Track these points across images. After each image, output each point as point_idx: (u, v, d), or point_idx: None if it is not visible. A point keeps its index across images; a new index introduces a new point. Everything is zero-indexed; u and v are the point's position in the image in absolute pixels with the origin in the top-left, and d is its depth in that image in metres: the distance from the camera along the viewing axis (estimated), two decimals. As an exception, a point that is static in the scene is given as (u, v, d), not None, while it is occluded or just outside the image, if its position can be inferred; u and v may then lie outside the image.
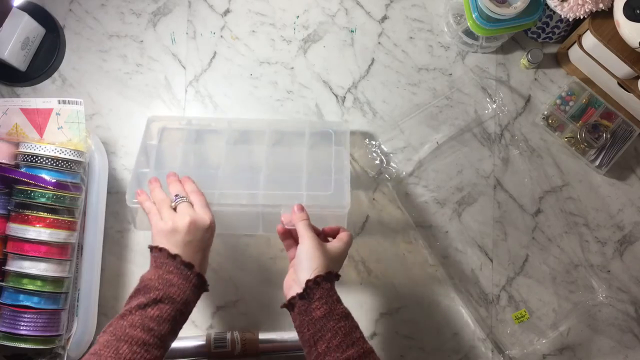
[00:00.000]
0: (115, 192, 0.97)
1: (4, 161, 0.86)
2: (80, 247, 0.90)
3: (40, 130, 0.89)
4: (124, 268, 0.95)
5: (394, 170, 0.98)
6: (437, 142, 0.99)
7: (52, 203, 0.85)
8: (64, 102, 0.90)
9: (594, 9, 0.87)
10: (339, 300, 0.73)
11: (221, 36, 1.01)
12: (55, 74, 1.00)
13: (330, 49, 1.01)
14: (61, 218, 0.86)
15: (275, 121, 0.97)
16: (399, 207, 0.97)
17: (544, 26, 0.98)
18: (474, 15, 0.89)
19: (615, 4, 0.85)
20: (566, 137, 0.99)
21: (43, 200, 0.84)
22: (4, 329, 0.83)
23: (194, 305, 0.75)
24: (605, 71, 0.94)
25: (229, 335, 0.90)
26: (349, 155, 0.96)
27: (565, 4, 0.88)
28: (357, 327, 0.72)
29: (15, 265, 0.84)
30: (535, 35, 1.01)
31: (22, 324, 0.83)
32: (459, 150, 0.99)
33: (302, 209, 0.81)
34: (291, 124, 0.97)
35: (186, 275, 0.74)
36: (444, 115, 1.00)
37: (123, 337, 0.67)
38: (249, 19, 1.02)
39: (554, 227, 0.97)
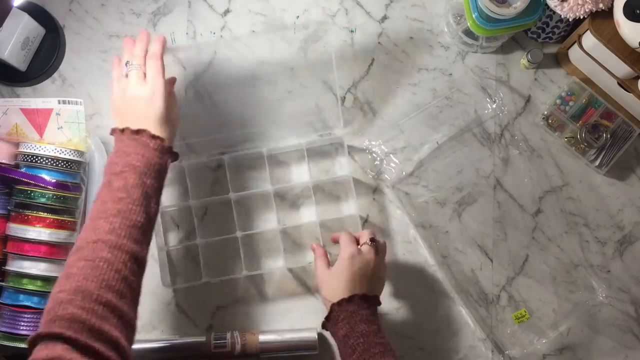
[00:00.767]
0: (115, 192, 0.97)
1: (4, 161, 0.86)
2: (80, 247, 0.90)
3: (40, 130, 0.89)
4: (124, 268, 0.95)
5: (394, 170, 0.98)
6: (437, 142, 0.99)
7: (52, 203, 0.85)
8: (64, 102, 0.90)
9: (594, 9, 0.87)
10: (363, 320, 0.76)
11: (221, 36, 1.01)
12: (55, 74, 1.00)
13: (330, 48, 1.01)
14: (61, 218, 0.86)
15: (271, 149, 0.97)
16: (399, 207, 0.97)
17: (544, 26, 0.98)
18: (474, 15, 0.89)
19: (615, 4, 0.85)
20: (566, 137, 0.99)
21: (43, 200, 0.84)
22: (4, 329, 0.83)
23: (164, 169, 0.75)
24: (605, 71, 0.94)
25: (229, 335, 0.90)
26: (348, 167, 0.96)
27: (565, 4, 0.88)
28: (378, 343, 0.75)
29: (15, 265, 0.84)
30: (535, 35, 1.01)
31: (22, 324, 0.83)
32: (459, 150, 0.99)
33: (316, 246, 0.88)
34: (287, 147, 0.97)
35: (141, 142, 0.74)
36: (444, 115, 1.00)
37: (97, 215, 0.68)
38: (249, 19, 1.02)
39: (554, 227, 0.97)
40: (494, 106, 1.00)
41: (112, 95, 0.79)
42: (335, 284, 0.80)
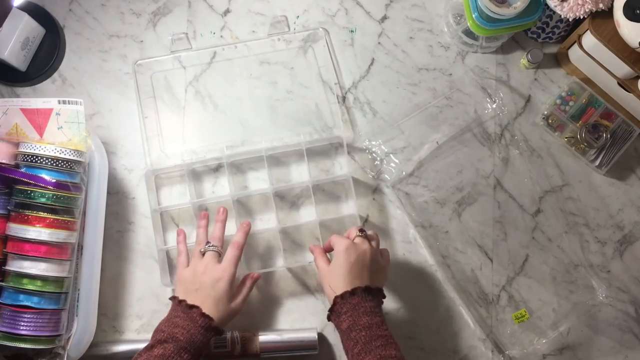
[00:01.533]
0: (115, 192, 0.97)
1: (4, 161, 0.86)
2: (80, 247, 0.90)
3: (40, 130, 0.89)
4: (124, 268, 0.95)
5: (394, 170, 0.98)
6: (437, 142, 0.99)
7: (52, 203, 0.85)
8: (64, 102, 0.90)
9: (594, 9, 0.87)
10: (366, 313, 0.77)
11: (221, 36, 1.01)
12: (55, 74, 1.00)
13: (330, 49, 1.01)
14: (61, 218, 0.86)
15: (271, 148, 0.97)
16: (399, 207, 0.97)
17: (544, 26, 0.98)
18: (474, 15, 0.89)
19: (615, 4, 0.85)
20: (566, 137, 0.98)
21: (43, 200, 0.84)
22: (4, 329, 0.83)
23: (204, 346, 0.80)
24: (605, 71, 0.94)
25: (229, 335, 0.90)
26: (348, 166, 0.96)
27: (565, 4, 0.88)
28: (380, 336, 0.76)
29: (15, 265, 0.84)
30: (535, 35, 1.01)
31: (22, 324, 0.83)
32: (459, 150, 0.99)
33: (314, 247, 0.88)
34: (287, 146, 0.97)
35: (191, 317, 0.79)
36: (444, 115, 1.00)
37: None
38: (249, 19, 1.02)
39: (554, 227, 0.97)
40: (494, 106, 1.00)
41: (182, 268, 0.86)
42: (335, 278, 0.81)
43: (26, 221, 0.84)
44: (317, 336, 0.91)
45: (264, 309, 0.95)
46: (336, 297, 0.79)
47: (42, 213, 0.85)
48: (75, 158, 0.87)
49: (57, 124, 0.89)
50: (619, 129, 0.98)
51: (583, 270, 0.96)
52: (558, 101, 0.99)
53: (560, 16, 0.91)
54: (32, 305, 0.84)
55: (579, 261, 0.97)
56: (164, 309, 0.94)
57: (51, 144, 0.87)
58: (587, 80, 0.99)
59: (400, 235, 0.97)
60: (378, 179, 0.98)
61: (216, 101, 1.00)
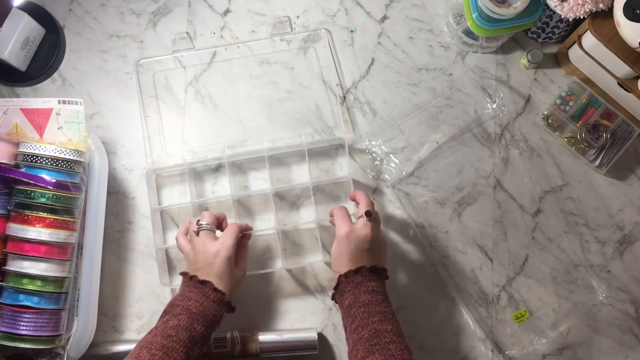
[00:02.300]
0: (115, 192, 0.97)
1: (4, 161, 0.86)
2: (80, 247, 0.90)
3: (40, 130, 0.89)
4: (124, 268, 0.95)
5: (394, 170, 0.98)
6: (437, 142, 0.99)
7: (52, 203, 0.85)
8: (64, 102, 0.90)
9: (594, 9, 0.87)
10: (368, 291, 0.79)
11: (221, 36, 1.01)
12: (55, 74, 1.00)
13: (329, 49, 1.01)
14: (61, 218, 0.86)
15: (272, 148, 0.97)
16: (399, 207, 0.97)
17: (544, 26, 0.98)
18: (474, 15, 0.89)
19: (615, 4, 0.85)
20: (566, 137, 0.98)
21: (43, 200, 0.84)
22: (4, 329, 0.83)
23: (217, 321, 0.81)
24: (605, 71, 0.94)
25: (229, 335, 0.90)
26: (349, 167, 0.96)
27: (565, 4, 0.88)
28: (378, 312, 0.77)
29: (15, 265, 0.84)
30: (535, 35, 1.01)
31: (22, 324, 0.83)
32: (459, 150, 0.99)
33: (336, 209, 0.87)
34: (288, 147, 0.97)
35: (203, 291, 0.81)
36: (444, 115, 1.00)
37: (145, 345, 0.75)
38: (249, 19, 1.02)
39: (554, 227, 0.97)
40: (494, 106, 1.00)
41: (186, 246, 0.86)
42: (338, 260, 0.82)
43: (26, 221, 0.84)
44: (317, 336, 0.91)
45: (264, 309, 0.95)
46: (340, 276, 0.81)
47: (42, 213, 0.85)
48: (75, 158, 0.87)
49: (57, 124, 0.89)
50: (619, 129, 0.98)
51: (583, 270, 0.96)
52: (558, 101, 0.99)
53: (560, 16, 0.91)
54: (32, 305, 0.84)
55: (579, 261, 0.97)
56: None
57: (51, 144, 0.87)
58: (587, 80, 0.99)
59: (400, 235, 0.97)
60: (378, 179, 0.98)
61: (216, 101, 1.00)
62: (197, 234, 0.85)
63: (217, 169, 0.98)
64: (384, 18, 1.02)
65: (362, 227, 0.82)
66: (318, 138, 0.98)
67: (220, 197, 0.95)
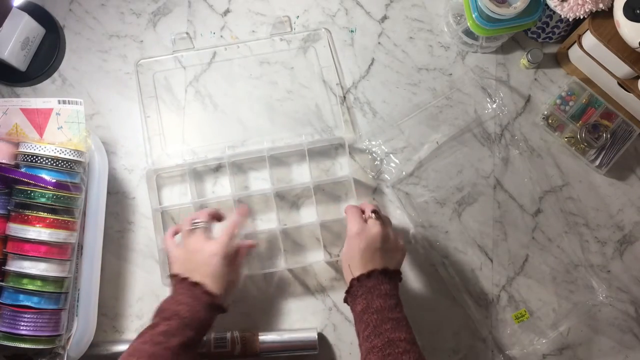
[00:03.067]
0: (115, 192, 0.97)
1: (4, 161, 0.86)
2: (80, 247, 0.90)
3: (40, 130, 0.89)
4: (124, 268, 0.95)
5: (394, 170, 0.98)
6: (437, 142, 0.99)
7: (52, 203, 0.85)
8: (64, 102, 0.90)
9: (594, 9, 0.87)
10: (381, 296, 0.77)
11: (221, 36, 1.01)
12: (55, 74, 1.00)
13: (329, 49, 1.01)
14: (61, 218, 0.86)
15: (272, 148, 0.97)
16: (399, 207, 0.97)
17: (544, 26, 0.98)
18: (474, 15, 0.89)
19: (615, 4, 0.85)
20: (566, 137, 0.99)
21: (43, 200, 0.84)
22: (4, 329, 0.83)
23: (208, 324, 0.79)
24: (605, 71, 0.94)
25: (229, 335, 0.90)
26: (349, 167, 0.96)
27: (565, 4, 0.88)
28: (390, 319, 0.76)
29: (15, 265, 0.84)
30: (535, 35, 1.01)
31: (22, 324, 0.83)
32: (459, 150, 0.99)
33: (348, 207, 0.86)
34: (289, 146, 0.97)
35: (194, 294, 0.78)
36: (444, 115, 1.00)
37: (133, 352, 0.73)
38: (249, 19, 1.02)
39: (554, 227, 0.97)
40: (494, 106, 1.00)
41: (174, 247, 0.85)
42: (351, 260, 0.81)
43: (26, 221, 0.84)
44: (317, 336, 0.91)
45: (264, 309, 0.95)
46: (353, 280, 0.79)
47: (42, 213, 0.85)
48: (75, 158, 0.87)
49: (57, 124, 0.89)
50: (619, 129, 0.98)
51: (583, 270, 0.96)
52: (558, 101, 0.99)
53: (560, 16, 0.91)
54: (32, 305, 0.84)
55: (579, 261, 0.97)
56: (164, 309, 0.94)
57: (51, 144, 0.87)
58: (587, 80, 0.99)
59: (400, 235, 0.96)
60: (378, 179, 0.98)
61: (216, 101, 1.00)
62: (192, 232, 0.84)
63: (218, 169, 0.98)
64: (384, 18, 1.02)
65: (373, 225, 0.82)
66: (318, 138, 0.98)
67: (221, 197, 0.95)
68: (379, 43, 1.01)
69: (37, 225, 0.84)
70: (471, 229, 0.97)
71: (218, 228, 0.87)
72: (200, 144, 0.98)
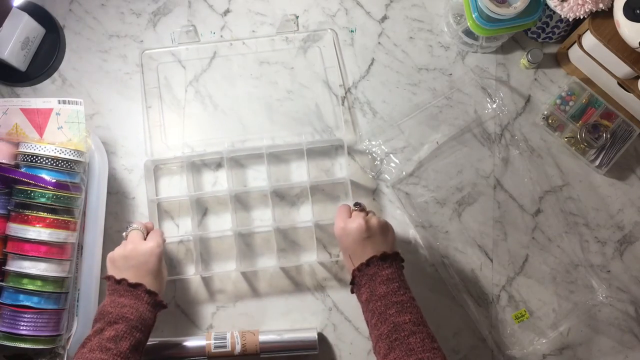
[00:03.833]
0: (115, 192, 0.97)
1: (4, 161, 0.86)
2: (80, 247, 0.90)
3: (40, 130, 0.89)
4: (124, 268, 0.95)
5: (394, 171, 0.98)
6: (437, 142, 0.99)
7: (52, 203, 0.85)
8: (64, 102, 0.90)
9: (594, 9, 0.87)
10: (383, 282, 0.78)
11: (221, 36, 1.01)
12: (55, 74, 1.00)
13: (330, 49, 1.01)
14: (61, 218, 0.86)
15: (271, 146, 0.97)
16: (399, 207, 0.97)
17: (544, 26, 0.98)
18: (474, 15, 0.89)
19: (615, 4, 0.85)
20: (566, 137, 0.99)
21: (43, 200, 0.84)
22: (4, 329, 0.83)
23: (152, 323, 0.80)
24: (605, 71, 0.94)
25: (228, 335, 0.90)
26: (348, 168, 0.96)
27: (565, 4, 0.88)
28: (395, 302, 0.76)
29: (15, 265, 0.84)
30: (535, 35, 1.01)
31: (22, 324, 0.83)
32: (459, 150, 0.99)
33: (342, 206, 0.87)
34: (288, 145, 0.97)
35: (136, 295, 0.79)
36: (444, 115, 1.00)
37: None
38: (249, 19, 1.02)
39: (554, 227, 0.97)
40: (494, 106, 1.00)
41: (110, 252, 0.86)
42: (345, 257, 0.83)
43: (26, 221, 0.84)
44: (317, 336, 0.91)
45: (264, 309, 0.95)
46: (354, 270, 0.80)
47: (42, 213, 0.85)
48: (75, 158, 0.87)
49: (57, 124, 0.89)
50: (619, 129, 0.98)
51: (583, 270, 0.96)
52: (558, 101, 0.99)
53: (560, 16, 0.91)
54: (32, 305, 0.84)
55: (579, 261, 0.97)
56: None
57: (51, 144, 0.87)
58: (587, 80, 0.99)
59: (400, 235, 0.97)
60: (378, 179, 0.98)
61: (216, 101, 0.99)
62: (127, 236, 0.86)
63: (217, 165, 0.98)
64: (384, 18, 1.02)
65: (354, 218, 0.83)
66: (318, 138, 0.98)
67: (218, 192, 0.95)
68: (379, 43, 1.01)
69: (37, 225, 0.84)
70: (471, 229, 0.97)
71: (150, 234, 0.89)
72: (200, 144, 0.98)
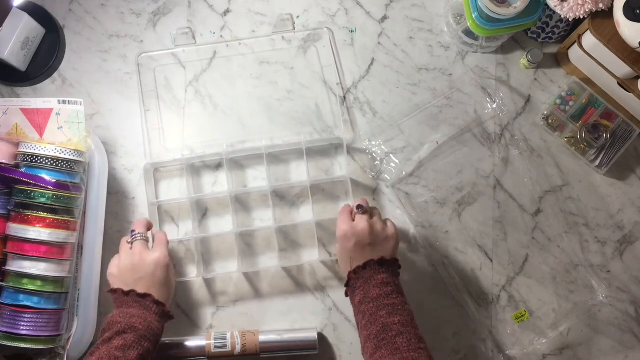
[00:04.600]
0: (115, 192, 0.97)
1: (4, 161, 0.86)
2: (80, 247, 0.90)
3: (40, 130, 0.89)
4: (124, 268, 0.95)
5: (394, 170, 0.98)
6: (437, 142, 0.99)
7: (52, 203, 0.85)
8: (64, 102, 0.90)
9: (594, 9, 0.87)
10: (377, 285, 0.78)
11: (221, 36, 1.01)
12: (55, 74, 1.00)
13: (330, 49, 1.01)
14: (61, 218, 0.86)
15: (270, 146, 0.97)
16: (399, 207, 0.97)
17: (544, 26, 0.98)
18: (474, 15, 0.89)
19: (615, 4, 0.85)
20: (566, 137, 0.99)
21: (43, 200, 0.84)
22: (4, 329, 0.83)
23: (160, 333, 0.80)
24: (605, 71, 0.94)
25: (228, 335, 0.90)
26: (347, 167, 0.96)
27: (565, 4, 0.88)
28: (386, 305, 0.76)
29: (15, 265, 0.84)
30: (535, 35, 1.01)
31: (22, 324, 0.83)
32: (459, 150, 0.99)
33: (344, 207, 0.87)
34: (287, 145, 0.97)
35: (145, 305, 0.79)
36: (444, 115, 1.00)
37: None
38: (249, 19, 1.02)
39: (554, 227, 0.97)
40: (494, 106, 1.00)
41: (112, 264, 0.85)
42: (344, 261, 0.83)
43: (26, 221, 0.84)
44: (317, 336, 0.91)
45: (264, 309, 0.95)
46: (350, 273, 0.81)
47: (42, 213, 0.85)
48: (75, 158, 0.87)
49: (57, 124, 0.89)
50: (619, 129, 0.98)
51: (583, 270, 0.96)
52: (558, 101, 0.99)
53: (560, 16, 0.91)
54: (32, 305, 0.84)
55: (579, 261, 0.97)
56: (164, 309, 0.94)
57: (51, 144, 0.87)
58: (587, 80, 0.99)
59: (400, 235, 0.96)
60: (378, 179, 0.98)
61: (216, 101, 1.00)
62: (131, 244, 0.85)
63: (217, 166, 0.98)
64: (384, 18, 1.02)
65: (359, 222, 0.83)
66: (317, 137, 0.98)
67: (218, 194, 0.95)
68: (379, 43, 1.01)
69: (37, 225, 0.84)
70: (471, 229, 0.97)
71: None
72: (200, 144, 0.98)
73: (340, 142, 0.96)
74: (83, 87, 1.00)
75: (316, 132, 0.99)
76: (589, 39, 0.91)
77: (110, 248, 0.95)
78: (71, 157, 0.87)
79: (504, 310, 0.95)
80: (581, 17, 0.89)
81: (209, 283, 0.95)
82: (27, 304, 0.84)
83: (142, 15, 1.01)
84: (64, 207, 0.86)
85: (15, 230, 0.84)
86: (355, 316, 0.80)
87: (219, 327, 0.94)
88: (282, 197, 0.97)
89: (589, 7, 0.87)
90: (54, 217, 0.85)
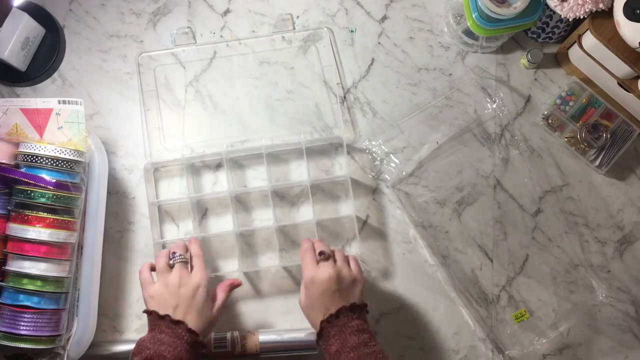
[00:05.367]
0: (115, 192, 0.97)
1: (4, 161, 0.86)
2: (80, 247, 0.90)
3: (40, 130, 0.89)
4: (123, 268, 0.95)
5: (394, 171, 0.98)
6: (437, 142, 0.99)
7: (52, 203, 0.85)
8: (64, 102, 0.90)
9: (594, 9, 0.87)
10: (354, 332, 0.76)
11: (221, 36, 1.01)
12: (55, 74, 1.00)
13: (329, 48, 1.01)
14: (61, 218, 0.86)
15: (270, 146, 0.97)
16: (399, 207, 0.97)
17: (544, 26, 0.98)
18: (474, 15, 0.89)
19: (615, 4, 0.85)
20: (566, 137, 0.99)
21: (43, 200, 0.84)
22: (4, 329, 0.83)
23: None
24: (605, 71, 0.94)
25: (228, 335, 0.90)
26: (348, 166, 0.96)
27: (565, 4, 0.88)
28: (368, 354, 0.74)
29: (15, 265, 0.84)
30: (535, 35, 1.01)
31: (22, 324, 0.83)
32: (459, 150, 0.99)
33: (306, 241, 0.86)
34: (287, 144, 0.97)
35: (177, 333, 0.77)
36: (444, 115, 1.00)
37: None
38: (249, 19, 1.02)
39: (554, 227, 0.97)
40: (494, 106, 1.00)
41: (149, 284, 0.82)
42: (311, 307, 0.81)
43: (26, 221, 0.84)
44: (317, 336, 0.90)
45: (264, 309, 0.95)
46: (322, 322, 0.78)
47: (42, 213, 0.85)
48: (75, 158, 0.87)
49: (57, 124, 0.89)
50: (619, 129, 0.98)
51: (583, 270, 0.96)
52: (558, 101, 0.99)
53: (560, 16, 0.91)
54: (32, 305, 0.84)
55: (579, 261, 0.97)
56: (164, 309, 0.94)
57: (51, 144, 0.87)
58: (587, 80, 0.99)
59: (400, 235, 0.97)
60: (378, 179, 0.98)
61: (216, 101, 1.00)
62: (172, 267, 0.83)
63: (217, 166, 0.98)
64: (384, 18, 1.02)
65: (324, 268, 0.81)
66: (317, 137, 0.98)
67: (218, 194, 0.95)
68: (379, 43, 1.01)
69: (37, 225, 0.84)
70: (471, 229, 0.97)
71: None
72: (200, 143, 0.98)
73: (340, 142, 0.96)
74: (83, 87, 1.00)
75: (316, 132, 0.99)
76: (589, 39, 0.91)
77: (110, 248, 0.95)
78: (71, 157, 0.87)
79: (504, 310, 0.95)
80: (581, 17, 0.89)
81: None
82: (27, 304, 0.84)
83: (142, 15, 1.01)
84: (64, 207, 0.86)
85: (15, 230, 0.84)
86: None
87: (218, 327, 0.94)
88: (282, 196, 0.97)
89: (589, 7, 0.87)
90: (54, 217, 0.85)
